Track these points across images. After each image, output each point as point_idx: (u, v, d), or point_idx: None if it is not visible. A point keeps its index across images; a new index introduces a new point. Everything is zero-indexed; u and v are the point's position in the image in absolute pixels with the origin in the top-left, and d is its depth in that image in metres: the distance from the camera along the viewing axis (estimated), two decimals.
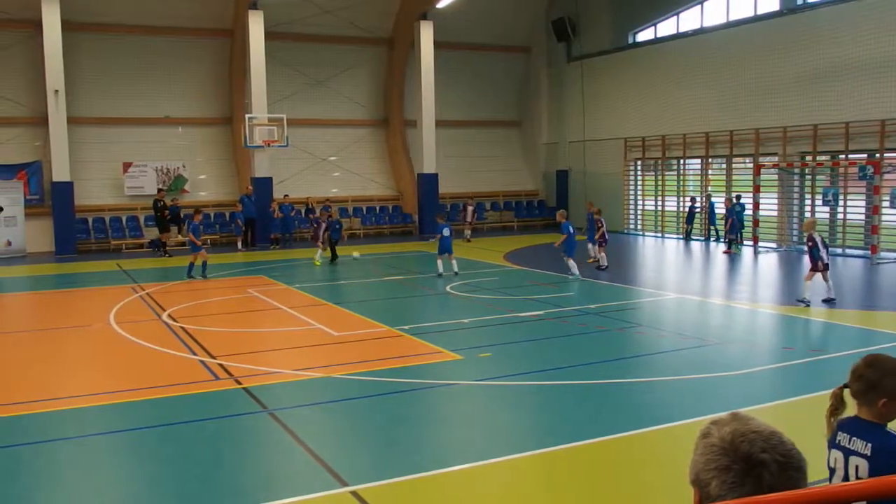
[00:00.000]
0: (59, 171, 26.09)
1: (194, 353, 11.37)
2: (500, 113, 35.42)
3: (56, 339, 13.17)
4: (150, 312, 14.87)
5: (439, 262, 18.85)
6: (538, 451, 7.33)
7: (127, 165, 28.70)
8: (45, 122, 26.46)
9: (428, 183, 30.84)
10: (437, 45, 30.49)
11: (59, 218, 25.88)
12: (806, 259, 14.80)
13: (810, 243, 14.32)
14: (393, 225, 32.29)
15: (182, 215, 28.19)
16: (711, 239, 26.71)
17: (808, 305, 14.04)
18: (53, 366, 11.23)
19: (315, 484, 6.61)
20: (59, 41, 25.71)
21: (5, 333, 13.96)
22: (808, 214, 23.75)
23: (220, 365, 10.64)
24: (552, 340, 12.02)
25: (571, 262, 17.96)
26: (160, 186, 28.12)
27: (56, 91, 25.73)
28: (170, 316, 14.33)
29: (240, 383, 9.73)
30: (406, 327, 12.78)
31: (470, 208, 29.36)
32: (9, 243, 25.67)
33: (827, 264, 14.32)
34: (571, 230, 18.10)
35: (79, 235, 27.02)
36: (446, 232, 18.83)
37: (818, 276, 14.25)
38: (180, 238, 28.02)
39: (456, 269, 18.92)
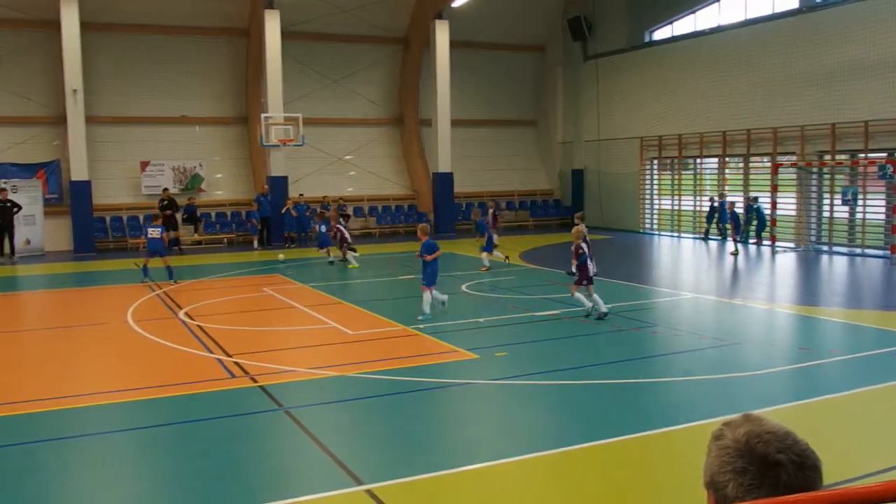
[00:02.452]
0: (78, 171, 26.28)
1: (211, 352, 11.42)
2: (515, 112, 35.39)
3: (74, 337, 13.27)
4: (166, 311, 14.95)
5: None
6: (554, 451, 7.32)
7: (144, 164, 28.88)
8: (63, 121, 26.69)
9: (443, 182, 30.85)
10: (453, 44, 30.48)
11: (78, 217, 26.07)
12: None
13: (579, 251, 13.09)
14: (408, 224, 32.29)
15: (199, 214, 28.40)
16: (728, 238, 26.58)
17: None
18: (71, 363, 11.32)
19: (330, 482, 6.63)
20: (78, 41, 25.90)
21: (23, 331, 14.08)
22: (826, 214, 23.61)
23: (237, 363, 10.69)
24: (568, 340, 12.00)
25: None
26: (165, 186, 28.29)
27: (74, 91, 25.92)
28: (186, 314, 14.41)
29: (256, 381, 9.77)
30: (421, 326, 12.79)
31: (491, 210, 27.61)
32: (28, 242, 25.88)
33: (592, 276, 13.20)
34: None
35: (96, 234, 27.20)
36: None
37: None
38: (196, 237, 28.22)
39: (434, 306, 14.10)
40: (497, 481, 6.73)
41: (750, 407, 6.92)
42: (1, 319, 15.60)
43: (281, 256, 23.37)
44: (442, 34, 30.18)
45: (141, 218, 28.89)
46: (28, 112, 27.66)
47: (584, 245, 13.25)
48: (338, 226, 22.09)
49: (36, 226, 26.25)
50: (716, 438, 1.78)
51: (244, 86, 30.53)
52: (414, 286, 18.04)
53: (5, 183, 26.00)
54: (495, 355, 10.86)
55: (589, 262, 13.24)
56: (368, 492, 6.36)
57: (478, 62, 33.58)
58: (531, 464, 7.00)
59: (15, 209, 24.92)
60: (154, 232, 18.91)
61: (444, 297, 14.21)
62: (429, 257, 13.51)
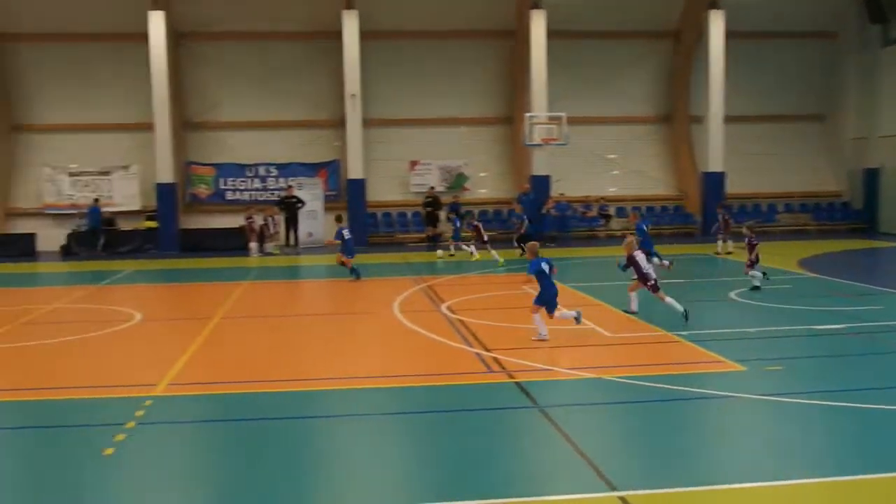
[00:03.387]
0: (354, 169, 28.22)
1: (470, 346, 11.64)
2: (797, 106, 32.73)
3: (345, 324, 14.19)
4: (430, 304, 15.51)
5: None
6: (825, 479, 6.57)
7: (413, 164, 30.34)
8: (343, 124, 28.77)
9: (713, 182, 29.44)
10: (728, 34, 28.95)
11: (353, 212, 27.91)
12: None
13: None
14: (674, 226, 31.17)
15: (462, 212, 29.28)
16: None
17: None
18: (342, 349, 12.07)
19: (582, 485, 6.43)
20: (357, 49, 27.80)
21: (303, 315, 15.24)
22: None
23: (495, 358, 10.78)
24: (853, 358, 10.81)
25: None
26: (431, 185, 29.44)
27: (353, 95, 27.84)
28: (448, 308, 14.83)
29: (512, 377, 9.79)
30: (684, 333, 12.17)
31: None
32: (310, 234, 28.15)
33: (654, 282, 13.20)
34: None
35: (369, 229, 29.00)
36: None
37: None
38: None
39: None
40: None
41: None
42: (283, 304, 17.08)
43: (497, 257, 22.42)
44: (717, 25, 28.78)
45: (409, 214, 30.40)
46: (312, 116, 30.15)
47: (636, 256, 13.49)
48: (475, 222, 23.67)
49: (317, 220, 28.50)
50: None
51: (509, 86, 31.06)
52: (677, 291, 17.28)
53: (292, 181, 28.52)
54: (766, 369, 10.05)
55: (648, 268, 13.54)
56: (622, 499, 6.08)
57: (755, 53, 31.58)
58: (805, 490, 6.34)
59: (299, 204, 27.22)
60: (347, 233, 19.36)
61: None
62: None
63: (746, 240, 17.00)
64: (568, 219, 28.77)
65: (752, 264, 16.58)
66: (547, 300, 11.95)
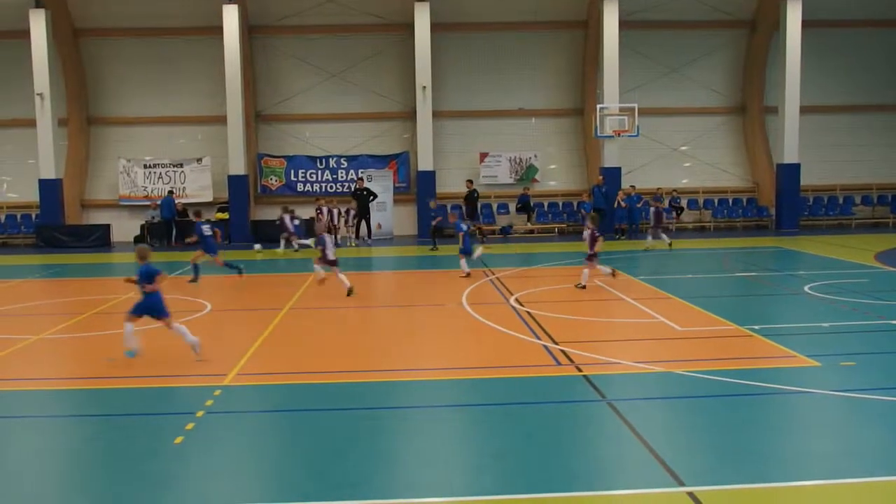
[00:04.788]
0: (424, 161, 28.38)
1: (538, 338, 11.66)
2: (875, 96, 31.64)
3: (413, 315, 14.35)
4: (498, 296, 15.56)
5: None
6: None
7: (483, 155, 30.36)
8: (413, 116, 28.97)
9: (788, 174, 28.72)
10: (806, 23, 28.17)
11: (423, 203, 28.06)
12: None
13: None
14: (746, 218, 30.55)
15: (532, 204, 29.25)
16: None
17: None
18: (410, 339, 12.23)
19: (649, 479, 6.42)
20: (428, 41, 27.92)
21: (372, 307, 15.45)
22: None
23: (562, 351, 10.79)
24: None
25: None
26: (513, 176, 29.46)
27: (424, 87, 28.00)
28: (517, 300, 14.86)
29: (580, 370, 9.78)
30: (756, 327, 11.97)
31: (652, 209, 24.70)
32: (379, 226, 28.44)
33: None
34: None
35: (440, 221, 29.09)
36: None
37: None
38: (528, 226, 29.08)
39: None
40: (836, 502, 6.06)
41: None
42: (354, 296, 17.30)
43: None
44: (794, 14, 28.02)
45: (478, 206, 30.41)
46: (382, 108, 30.42)
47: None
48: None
49: (387, 212, 28.79)
50: None
51: (580, 77, 30.81)
52: (749, 284, 16.99)
53: (362, 173, 28.81)
54: (841, 364, 9.83)
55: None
56: (690, 494, 6.06)
57: (834, 42, 30.74)
58: (880, 488, 6.21)
59: (371, 197, 27.49)
60: (207, 229, 18.15)
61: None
62: None
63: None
64: (638, 211, 28.43)
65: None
66: None
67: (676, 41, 30.61)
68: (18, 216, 30.40)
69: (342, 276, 15.94)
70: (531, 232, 29.51)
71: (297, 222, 24.93)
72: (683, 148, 31.17)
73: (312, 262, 17.34)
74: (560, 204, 30.68)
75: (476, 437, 7.72)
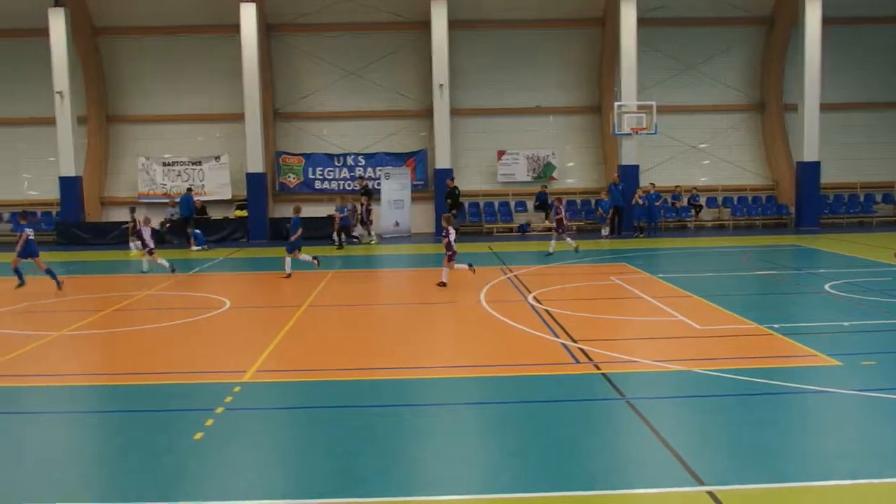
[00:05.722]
0: (441, 159, 28.40)
1: (556, 336, 11.63)
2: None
3: (431, 313, 14.35)
4: (516, 293, 15.53)
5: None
6: None
7: (500, 153, 30.32)
8: (430, 114, 28.98)
9: (808, 172, 28.48)
10: (826, 20, 27.90)
11: (441, 202, 28.05)
12: None
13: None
14: (765, 216, 30.34)
15: (550, 202, 29.16)
16: None
17: None
18: (428, 337, 12.25)
19: (668, 478, 6.40)
20: (445, 39, 27.94)
21: (390, 305, 15.46)
22: None
23: (581, 349, 10.76)
24: None
25: None
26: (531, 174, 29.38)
27: (441, 85, 27.99)
28: (535, 298, 14.83)
29: (599, 369, 9.75)
30: (776, 326, 11.89)
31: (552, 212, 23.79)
32: (396, 224, 28.47)
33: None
34: None
35: (457, 219, 29.09)
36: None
37: None
38: (546, 224, 28.99)
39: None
40: (857, 502, 6.01)
41: None
42: (369, 293, 17.35)
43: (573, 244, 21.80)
44: (813, 10, 27.72)
45: (496, 204, 30.43)
46: (400, 106, 30.46)
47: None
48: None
49: (404, 210, 28.79)
50: None
51: (597, 75, 30.71)
52: (769, 283, 16.88)
53: (380, 170, 28.91)
54: (862, 363, 9.75)
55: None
56: (710, 493, 6.03)
57: (855, 39, 30.45)
58: None
59: (365, 196, 27.25)
60: (31, 232, 16.86)
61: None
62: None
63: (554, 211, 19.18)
64: (657, 209, 28.31)
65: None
66: None
67: (694, 38, 30.44)
68: (39, 213, 30.64)
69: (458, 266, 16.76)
70: (549, 230, 29.39)
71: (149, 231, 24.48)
72: (702, 146, 30.99)
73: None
74: (578, 202, 30.58)
75: (494, 435, 7.71)
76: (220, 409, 8.29)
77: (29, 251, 16.63)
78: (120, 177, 31.01)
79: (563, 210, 21.74)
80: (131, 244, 20.69)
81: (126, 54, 30.66)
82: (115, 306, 15.11)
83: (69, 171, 28.51)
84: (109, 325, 13.34)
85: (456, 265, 16.65)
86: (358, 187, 28.54)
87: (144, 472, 6.75)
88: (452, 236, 16.44)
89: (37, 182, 30.94)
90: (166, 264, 19.00)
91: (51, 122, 28.62)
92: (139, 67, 30.70)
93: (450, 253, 16.41)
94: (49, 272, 16.70)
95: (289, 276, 18.09)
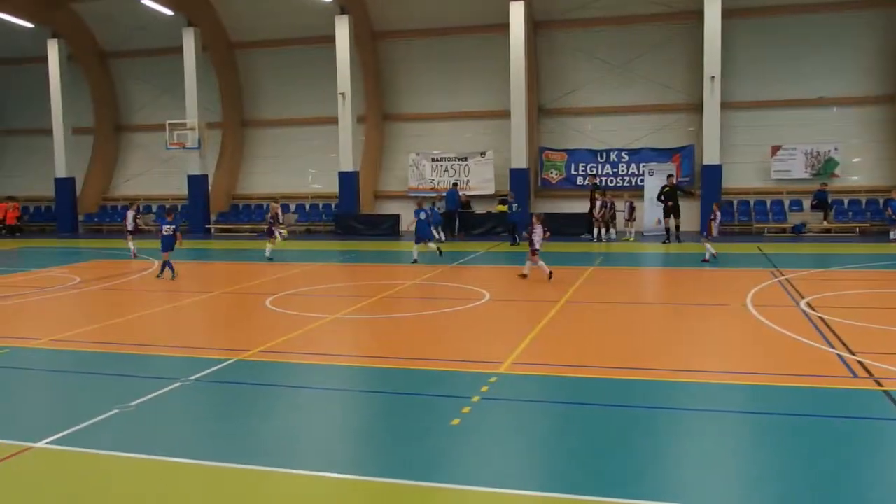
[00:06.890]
0: (710, 155, 27.15)
1: (832, 346, 10.68)
2: None
3: (693, 314, 13.78)
4: (787, 298, 14.48)
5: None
6: None
7: (775, 149, 28.46)
8: (699, 107, 27.82)
9: None
10: None
11: (708, 199, 26.77)
12: None
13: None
14: None
15: (830, 201, 27.00)
16: None
17: None
18: (688, 339, 11.74)
19: None
20: (718, 29, 26.67)
21: (650, 304, 15.04)
22: None
23: (860, 362, 9.78)
24: None
25: None
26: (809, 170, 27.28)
27: (712, 77, 26.76)
28: (808, 304, 13.74)
29: (880, 385, 8.80)
30: None
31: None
32: (658, 222, 27.58)
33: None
34: None
35: (723, 217, 27.72)
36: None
37: None
38: (825, 224, 26.91)
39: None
40: None
41: None
42: (629, 291, 16.99)
43: None
44: None
45: (768, 203, 28.64)
46: (667, 100, 29.54)
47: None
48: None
49: (661, 207, 27.76)
50: None
51: (893, 62, 27.81)
52: None
53: (644, 166, 28.20)
54: None
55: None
56: None
57: None
58: None
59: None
60: (168, 229, 18.53)
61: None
62: None
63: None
64: None
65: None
66: None
67: None
68: (320, 205, 33.38)
69: (542, 264, 16.95)
70: (828, 231, 27.18)
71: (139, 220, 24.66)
72: None
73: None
74: (863, 201, 27.94)
75: (755, 448, 7.20)
76: (476, 398, 8.49)
77: (164, 245, 18.45)
78: (392, 171, 32.96)
79: (539, 228, 17.38)
80: (276, 232, 22.29)
81: (400, 56, 32.46)
82: (383, 294, 16.03)
83: (348, 166, 30.71)
84: (375, 312, 14.17)
85: (540, 263, 16.97)
86: (592, 184, 28.39)
87: (406, 451, 7.05)
88: (538, 235, 17.05)
89: (320, 176, 33.73)
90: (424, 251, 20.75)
91: (333, 121, 30.99)
92: (412, 68, 32.37)
93: (533, 249, 16.99)
94: (167, 264, 18.44)
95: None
